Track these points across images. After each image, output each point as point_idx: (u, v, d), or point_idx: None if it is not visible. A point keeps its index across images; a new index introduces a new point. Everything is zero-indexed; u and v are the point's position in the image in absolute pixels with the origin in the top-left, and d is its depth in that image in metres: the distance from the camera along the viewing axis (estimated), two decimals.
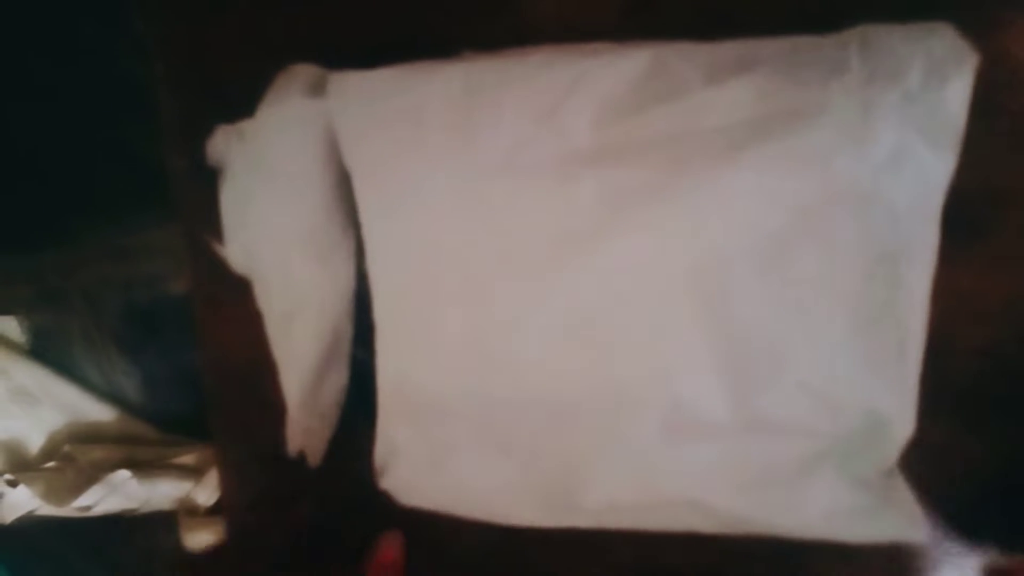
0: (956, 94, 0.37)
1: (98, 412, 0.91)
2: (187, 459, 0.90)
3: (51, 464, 0.90)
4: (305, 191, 0.42)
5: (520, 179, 0.42)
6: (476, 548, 0.46)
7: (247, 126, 0.42)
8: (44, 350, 0.90)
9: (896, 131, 0.38)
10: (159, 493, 0.90)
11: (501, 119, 0.41)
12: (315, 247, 0.43)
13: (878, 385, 0.41)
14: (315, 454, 0.45)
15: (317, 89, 0.42)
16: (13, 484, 0.89)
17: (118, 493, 0.89)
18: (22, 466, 0.91)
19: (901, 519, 0.42)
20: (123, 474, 0.88)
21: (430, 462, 0.45)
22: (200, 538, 0.89)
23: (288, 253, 0.42)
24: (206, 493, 0.89)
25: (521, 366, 0.44)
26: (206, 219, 0.44)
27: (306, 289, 0.43)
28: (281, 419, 0.46)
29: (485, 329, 0.44)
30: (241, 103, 0.43)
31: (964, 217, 0.40)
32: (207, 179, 0.44)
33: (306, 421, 0.44)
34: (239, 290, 0.45)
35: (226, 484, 0.51)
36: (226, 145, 0.42)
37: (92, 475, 0.88)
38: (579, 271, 0.42)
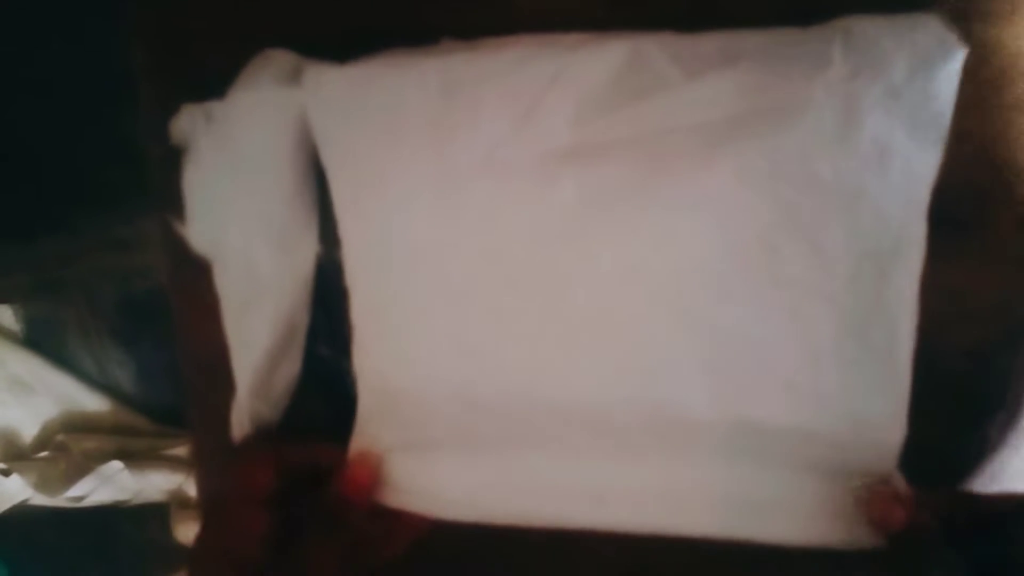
0: (942, 87, 0.36)
1: (92, 402, 0.91)
2: (179, 451, 0.90)
3: (44, 454, 0.91)
4: (271, 179, 0.42)
5: (499, 178, 0.41)
6: (458, 547, 0.46)
7: (216, 108, 0.41)
8: (39, 340, 0.91)
9: (881, 126, 0.37)
10: (151, 484, 0.90)
11: (479, 117, 0.41)
12: (278, 236, 0.42)
13: (868, 385, 0.40)
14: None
15: (291, 76, 0.41)
16: (6, 473, 0.90)
17: (111, 484, 0.90)
18: (15, 455, 0.92)
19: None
20: (116, 465, 0.89)
21: (410, 466, 0.44)
22: (191, 530, 0.89)
23: (250, 240, 0.42)
24: None
25: (505, 365, 0.43)
26: (183, 207, 0.44)
27: (265, 277, 0.42)
28: None
29: (467, 329, 0.43)
30: (220, 89, 0.42)
31: (952, 215, 0.39)
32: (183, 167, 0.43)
33: (256, 408, 0.44)
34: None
35: (202, 476, 0.50)
36: (192, 125, 0.42)
37: (85, 465, 0.89)
38: (560, 271, 0.42)
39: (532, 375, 0.43)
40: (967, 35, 0.35)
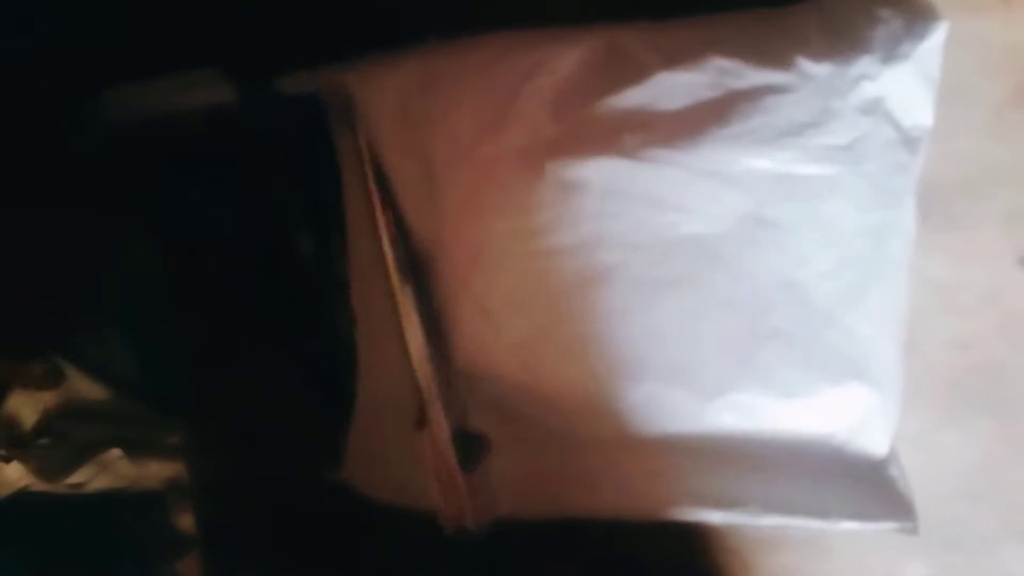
0: (926, 59, 0.35)
1: (91, 390, 0.91)
2: (178, 439, 0.90)
3: (44, 441, 0.91)
4: None
5: (483, 170, 0.41)
6: (455, 540, 0.46)
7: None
8: None
9: (861, 106, 0.36)
10: (151, 472, 0.91)
11: (460, 114, 0.41)
12: None
13: (861, 373, 0.40)
14: None
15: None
16: (6, 460, 0.91)
17: (110, 471, 0.90)
18: (15, 442, 0.92)
19: (890, 508, 0.42)
20: (115, 452, 0.89)
21: (400, 458, 0.45)
22: (188, 517, 0.90)
23: None
24: None
25: (499, 360, 0.44)
26: None
27: None
28: (250, 402, 0.46)
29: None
30: None
31: (940, 208, 0.39)
32: None
33: None
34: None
35: (193, 467, 0.51)
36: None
37: (85, 453, 0.89)
38: (545, 261, 0.42)
39: (520, 360, 0.43)
40: (954, 29, 0.35)
